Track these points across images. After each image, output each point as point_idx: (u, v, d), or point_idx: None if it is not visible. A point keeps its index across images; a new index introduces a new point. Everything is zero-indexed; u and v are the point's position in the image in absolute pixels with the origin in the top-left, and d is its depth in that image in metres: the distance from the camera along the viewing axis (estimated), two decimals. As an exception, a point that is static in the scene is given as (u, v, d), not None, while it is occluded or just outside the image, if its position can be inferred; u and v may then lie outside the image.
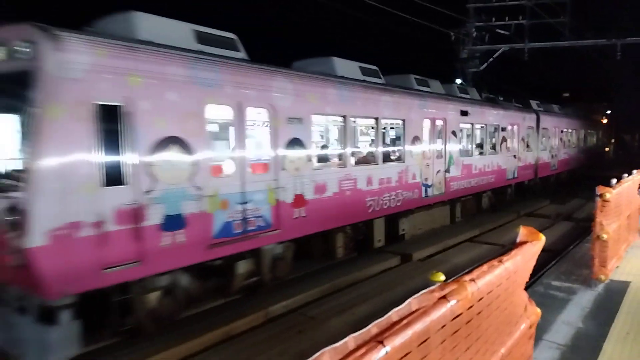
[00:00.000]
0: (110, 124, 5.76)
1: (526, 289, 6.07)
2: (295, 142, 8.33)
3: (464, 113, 14.06)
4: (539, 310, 3.77)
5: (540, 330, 4.90)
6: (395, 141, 12.28)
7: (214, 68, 7.06)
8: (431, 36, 23.19)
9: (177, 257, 6.50)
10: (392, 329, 2.00)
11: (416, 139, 11.78)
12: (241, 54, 8.01)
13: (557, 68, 37.12)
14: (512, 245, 3.34)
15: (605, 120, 45.91)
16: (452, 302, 2.38)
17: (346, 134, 9.69)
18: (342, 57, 9.72)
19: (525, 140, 18.97)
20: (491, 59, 25.28)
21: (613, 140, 52.27)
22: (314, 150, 9.23)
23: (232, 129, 7.82)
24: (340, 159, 9.87)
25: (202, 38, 7.45)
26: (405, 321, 2.09)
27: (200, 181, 6.71)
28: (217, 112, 7.30)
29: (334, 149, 10.47)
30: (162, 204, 6.24)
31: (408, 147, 11.50)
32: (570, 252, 8.88)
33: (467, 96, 15.52)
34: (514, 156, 17.79)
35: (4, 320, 5.89)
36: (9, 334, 5.86)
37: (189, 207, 6.57)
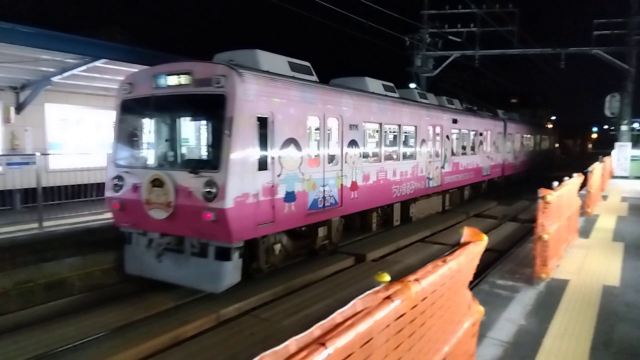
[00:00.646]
0: (263, 129, 8.33)
1: (472, 288, 6.28)
2: (353, 143, 11.19)
3: (455, 121, 17.47)
4: (482, 308, 3.87)
5: (485, 328, 5.06)
6: (409, 143, 14.78)
7: (313, 90, 9.93)
8: (387, 41, 23.63)
9: (290, 221, 9.18)
10: (335, 330, 2.00)
11: (423, 142, 15.02)
12: (314, 77, 10.55)
13: (506, 75, 38.63)
14: (457, 246, 3.42)
15: (550, 126, 48.30)
16: (397, 302, 2.40)
17: (381, 137, 12.70)
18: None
19: (496, 144, 22.62)
20: (444, 65, 25.99)
21: (557, 145, 54.94)
22: (363, 149, 11.80)
23: (319, 133, 10.18)
24: (376, 156, 12.64)
25: (293, 67, 10.08)
26: (348, 322, 2.09)
27: (303, 169, 9.41)
28: (312, 121, 9.87)
29: (373, 148, 12.83)
30: (284, 184, 8.84)
31: (418, 148, 14.70)
32: (515, 251, 9.22)
33: (453, 107, 18.62)
34: (488, 157, 21.45)
35: (182, 262, 8.30)
36: (185, 273, 8.26)
37: (297, 186, 9.22)
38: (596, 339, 5.02)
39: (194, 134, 9.63)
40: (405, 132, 14.27)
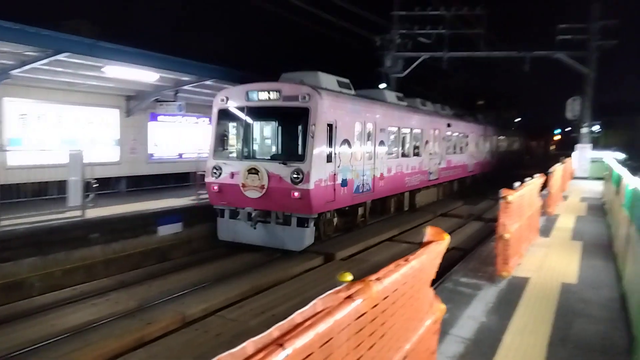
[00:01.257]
0: (330, 132, 11.41)
1: (436, 286, 6.38)
2: (382, 142, 14.25)
3: (449, 125, 21.09)
4: (443, 306, 3.93)
5: (447, 325, 5.15)
6: (417, 143, 17.61)
7: (358, 102, 13.32)
8: (357, 41, 23.75)
9: (344, 201, 12.33)
10: (294, 331, 2.00)
11: (427, 142, 18.29)
12: (352, 91, 13.75)
13: (473, 76, 39.41)
14: (419, 245, 3.46)
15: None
16: (357, 301, 2.41)
17: (398, 138, 15.85)
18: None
19: (478, 145, 26.36)
20: (413, 65, 26.28)
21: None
22: (387, 148, 14.74)
23: (360, 135, 12.97)
24: (395, 153, 15.60)
25: (339, 84, 13.23)
26: (308, 322, 2.10)
27: (352, 162, 12.46)
28: (357, 126, 12.86)
29: (394, 147, 15.60)
30: (341, 173, 11.88)
31: (423, 147, 17.87)
32: (478, 250, 9.42)
33: (446, 112, 22.04)
34: (472, 155, 25.25)
35: (270, 229, 11.45)
36: (273, 237, 11.43)
37: (348, 175, 12.24)
38: (554, 335, 5.18)
39: (282, 135, 12.61)
40: (415, 134, 17.29)
